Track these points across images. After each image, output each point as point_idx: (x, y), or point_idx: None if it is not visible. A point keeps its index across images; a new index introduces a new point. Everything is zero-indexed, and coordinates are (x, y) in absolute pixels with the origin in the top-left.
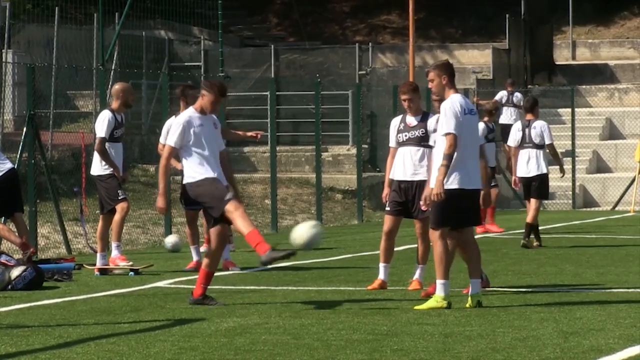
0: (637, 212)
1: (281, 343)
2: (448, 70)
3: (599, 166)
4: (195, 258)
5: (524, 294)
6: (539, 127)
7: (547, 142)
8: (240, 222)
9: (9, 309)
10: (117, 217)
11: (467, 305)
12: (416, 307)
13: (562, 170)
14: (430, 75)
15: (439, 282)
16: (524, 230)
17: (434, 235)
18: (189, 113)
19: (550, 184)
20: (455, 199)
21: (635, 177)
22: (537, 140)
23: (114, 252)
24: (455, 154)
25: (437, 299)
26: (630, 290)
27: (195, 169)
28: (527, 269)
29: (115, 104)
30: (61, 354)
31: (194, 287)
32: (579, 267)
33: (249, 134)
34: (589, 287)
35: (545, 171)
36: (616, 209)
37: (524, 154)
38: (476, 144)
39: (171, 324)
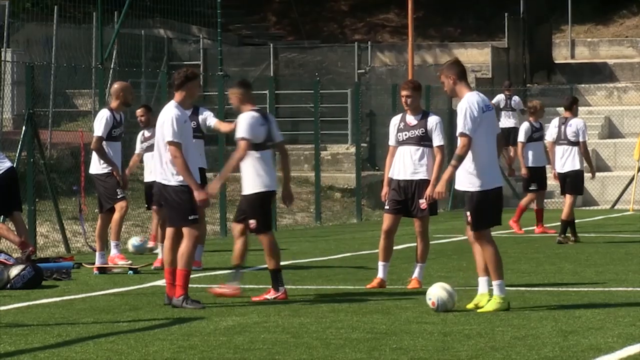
0: (636, 210)
1: (280, 342)
2: (455, 69)
3: (598, 165)
4: (160, 256)
5: (523, 293)
6: (574, 125)
7: (580, 139)
8: (184, 252)
9: (8, 308)
10: (116, 216)
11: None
12: (479, 310)
13: (593, 172)
14: (441, 79)
15: (496, 283)
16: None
17: (482, 238)
18: (175, 106)
19: (547, 182)
20: (497, 197)
21: (634, 175)
22: (572, 138)
23: (113, 251)
24: (481, 153)
25: (498, 300)
26: (629, 289)
27: (173, 171)
28: (526, 267)
29: (114, 103)
30: (60, 353)
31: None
32: (578, 266)
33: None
34: (588, 286)
35: (578, 167)
36: (615, 207)
37: (558, 150)
38: (494, 141)
39: (170, 322)
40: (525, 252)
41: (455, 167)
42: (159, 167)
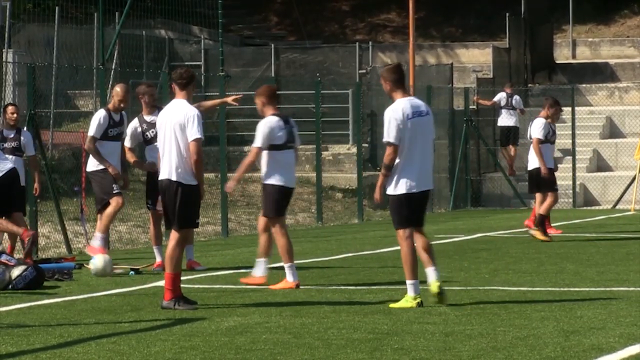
0: (638, 210)
1: (282, 342)
2: (391, 76)
3: (600, 165)
4: (159, 259)
5: (525, 293)
6: (533, 122)
7: (532, 136)
8: (173, 256)
9: (9, 309)
10: (109, 210)
11: (433, 293)
12: (391, 305)
13: (543, 168)
14: (381, 80)
15: (409, 283)
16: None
17: (399, 236)
18: (189, 104)
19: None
20: (408, 202)
21: (635, 175)
22: (528, 136)
23: (97, 242)
24: (401, 159)
25: (408, 299)
26: (630, 289)
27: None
28: (527, 267)
29: (111, 104)
30: (62, 354)
31: (183, 287)
32: (579, 266)
33: (228, 100)
34: (589, 286)
35: (537, 165)
36: (616, 207)
37: (531, 149)
38: (425, 146)
39: (172, 323)
40: (526, 252)
41: (385, 175)
42: (180, 166)
